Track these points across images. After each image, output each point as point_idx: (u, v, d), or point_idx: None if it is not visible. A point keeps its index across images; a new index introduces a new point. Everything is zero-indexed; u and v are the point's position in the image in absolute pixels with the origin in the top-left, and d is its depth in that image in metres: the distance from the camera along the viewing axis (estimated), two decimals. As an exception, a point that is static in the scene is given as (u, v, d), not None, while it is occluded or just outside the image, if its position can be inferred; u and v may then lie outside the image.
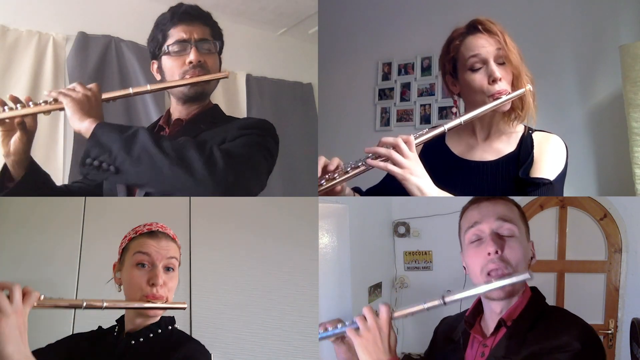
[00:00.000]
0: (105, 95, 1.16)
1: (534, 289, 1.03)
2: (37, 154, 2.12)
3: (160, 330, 1.09)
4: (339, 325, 0.99)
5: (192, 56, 1.24)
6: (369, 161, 1.13)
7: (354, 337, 0.93)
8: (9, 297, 0.82)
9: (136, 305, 1.05)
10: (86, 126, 1.05)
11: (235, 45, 3.06)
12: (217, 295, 1.73)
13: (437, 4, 3.14)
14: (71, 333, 1.74)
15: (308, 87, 3.46)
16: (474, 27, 1.24)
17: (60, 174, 2.26)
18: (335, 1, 3.48)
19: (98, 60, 2.46)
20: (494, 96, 1.22)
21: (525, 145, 1.27)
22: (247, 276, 1.75)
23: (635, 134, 2.20)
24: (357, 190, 1.40)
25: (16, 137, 1.14)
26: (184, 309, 1.11)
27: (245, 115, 3.04)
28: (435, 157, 1.39)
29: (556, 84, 2.67)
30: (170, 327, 1.11)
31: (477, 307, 1.08)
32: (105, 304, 0.97)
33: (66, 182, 2.13)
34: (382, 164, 1.11)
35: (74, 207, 1.90)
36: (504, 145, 1.30)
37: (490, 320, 1.03)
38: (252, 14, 3.00)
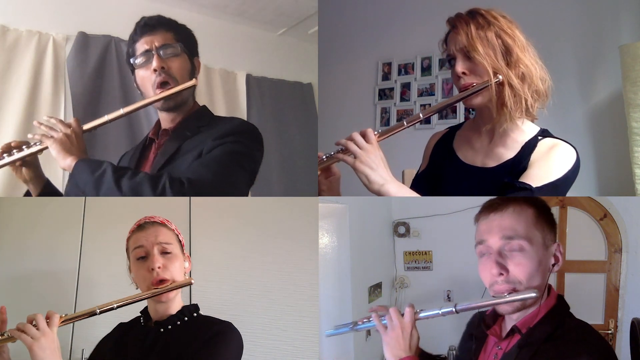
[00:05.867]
0: (85, 127, 1.28)
1: (559, 297, 0.98)
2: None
3: (186, 318, 1.16)
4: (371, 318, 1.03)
5: (154, 63, 1.29)
6: (334, 155, 1.22)
7: (382, 332, 0.99)
8: (35, 325, 0.97)
9: (144, 295, 1.11)
10: (69, 164, 1.19)
11: (235, 45, 3.06)
12: (216, 295, 1.74)
13: (437, 4, 3.13)
14: (71, 332, 1.75)
15: (308, 87, 3.45)
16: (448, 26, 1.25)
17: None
18: (335, 1, 3.48)
19: (98, 60, 2.47)
20: (460, 90, 1.20)
21: (525, 151, 1.21)
22: (247, 276, 1.76)
23: (635, 134, 2.20)
24: None
25: (23, 169, 1.33)
26: (191, 284, 1.16)
27: (245, 116, 3.04)
28: (444, 162, 1.37)
29: (556, 84, 2.65)
30: (195, 315, 1.18)
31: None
32: (115, 305, 1.06)
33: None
34: (340, 155, 1.20)
35: (74, 207, 1.90)
36: (506, 150, 1.24)
37: (507, 324, 1.01)
38: (252, 14, 3.00)
